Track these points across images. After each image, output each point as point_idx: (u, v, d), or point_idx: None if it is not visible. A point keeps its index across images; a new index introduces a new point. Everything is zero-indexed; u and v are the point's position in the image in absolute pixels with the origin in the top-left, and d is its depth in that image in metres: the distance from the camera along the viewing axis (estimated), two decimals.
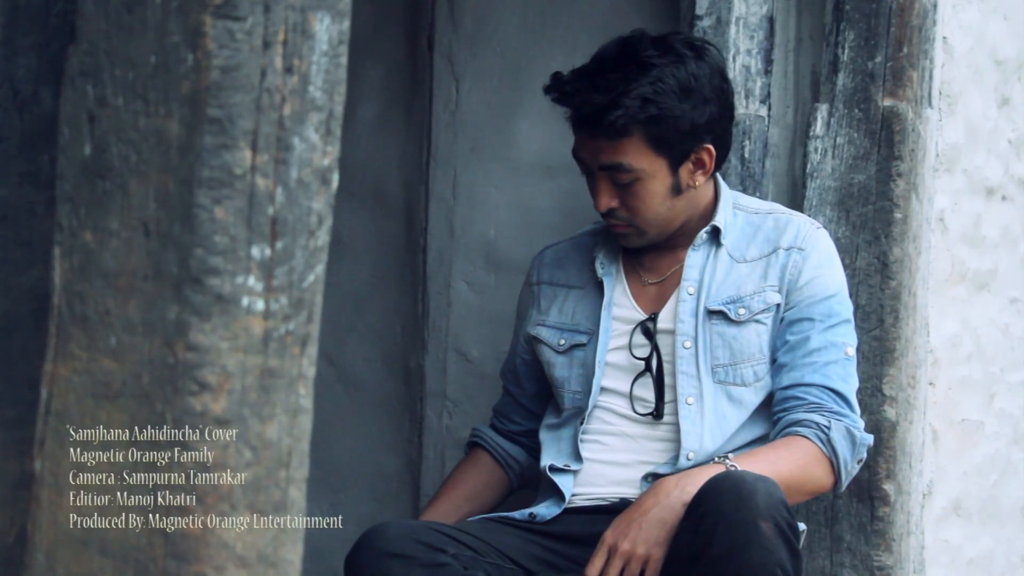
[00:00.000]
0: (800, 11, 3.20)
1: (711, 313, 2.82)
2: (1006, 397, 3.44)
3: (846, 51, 3.08)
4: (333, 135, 1.71)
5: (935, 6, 3.09)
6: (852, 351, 2.82)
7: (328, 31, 1.69)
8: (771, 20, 3.16)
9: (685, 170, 2.80)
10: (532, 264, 3.06)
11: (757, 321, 2.82)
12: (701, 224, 2.87)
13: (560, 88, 2.80)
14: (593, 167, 2.80)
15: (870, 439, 2.81)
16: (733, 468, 2.63)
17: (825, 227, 2.95)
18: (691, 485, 2.59)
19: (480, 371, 3.49)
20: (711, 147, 2.80)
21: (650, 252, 2.90)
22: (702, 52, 2.81)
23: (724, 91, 2.83)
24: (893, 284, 3.04)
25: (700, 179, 2.83)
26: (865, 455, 2.81)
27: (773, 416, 2.81)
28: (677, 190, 2.81)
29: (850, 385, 2.81)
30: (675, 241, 2.88)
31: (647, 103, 2.73)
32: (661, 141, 2.76)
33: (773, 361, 2.82)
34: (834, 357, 2.79)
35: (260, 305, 1.66)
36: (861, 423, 2.80)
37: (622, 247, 2.92)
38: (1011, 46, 3.35)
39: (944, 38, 3.15)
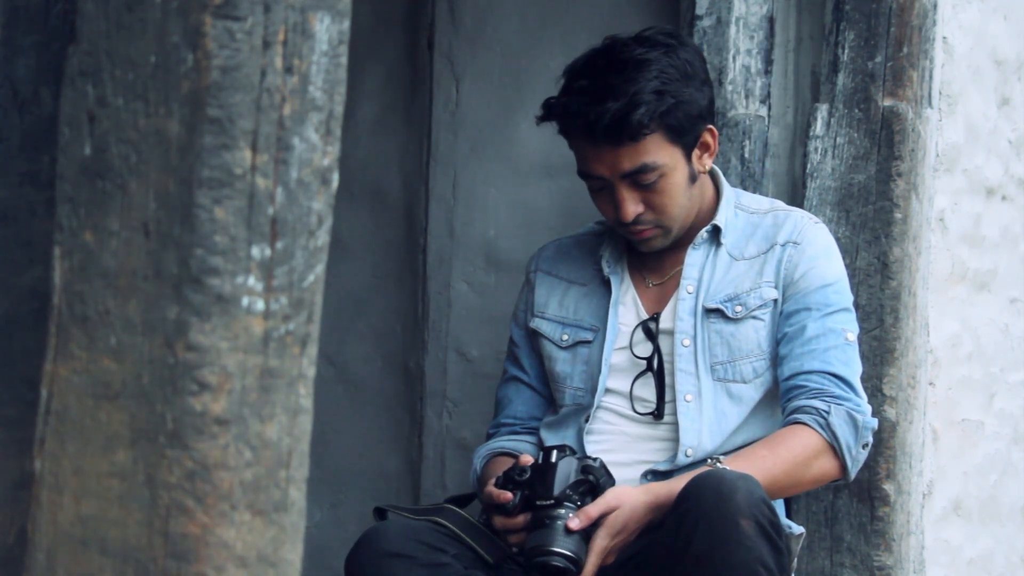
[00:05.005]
0: (800, 11, 3.20)
1: (709, 311, 2.82)
2: (1006, 397, 3.44)
3: (846, 51, 3.08)
4: (333, 135, 1.71)
5: (935, 6, 3.09)
6: (853, 337, 2.80)
7: (328, 31, 1.69)
8: (771, 20, 3.16)
9: (695, 156, 2.82)
10: (532, 257, 3.05)
11: (754, 317, 2.82)
12: (703, 223, 2.88)
13: (564, 109, 2.76)
14: (613, 178, 2.76)
15: (874, 422, 2.78)
16: (720, 467, 2.63)
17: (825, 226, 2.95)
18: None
19: (480, 371, 3.49)
20: (712, 127, 2.83)
21: (655, 253, 2.90)
22: (681, 39, 2.84)
23: (708, 72, 2.86)
24: (893, 284, 3.04)
25: (708, 162, 2.85)
26: (871, 439, 2.78)
27: (780, 407, 2.81)
28: (693, 178, 2.82)
29: (852, 369, 2.79)
30: (679, 241, 2.88)
31: (662, 95, 2.73)
32: (678, 130, 2.77)
33: (775, 356, 2.82)
34: (833, 343, 2.78)
35: (260, 305, 1.66)
36: (866, 407, 2.78)
37: (627, 247, 2.92)
38: (1011, 46, 3.35)
39: (944, 38, 3.15)
